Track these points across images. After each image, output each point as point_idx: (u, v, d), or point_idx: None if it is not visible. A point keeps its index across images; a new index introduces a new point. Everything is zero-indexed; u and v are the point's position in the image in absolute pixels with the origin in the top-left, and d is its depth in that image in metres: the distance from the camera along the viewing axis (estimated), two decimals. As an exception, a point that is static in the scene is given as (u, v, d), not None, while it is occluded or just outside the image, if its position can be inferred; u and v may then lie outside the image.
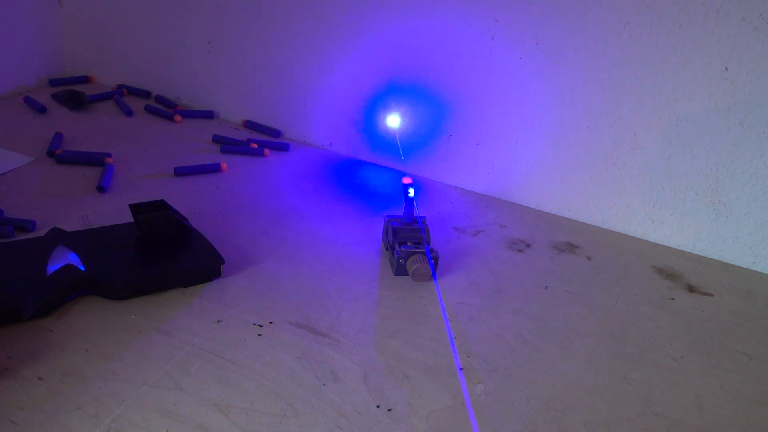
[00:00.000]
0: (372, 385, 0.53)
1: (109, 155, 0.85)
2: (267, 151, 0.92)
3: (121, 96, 1.05)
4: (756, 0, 0.66)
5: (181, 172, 0.84)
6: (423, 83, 0.86)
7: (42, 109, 0.97)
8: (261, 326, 0.58)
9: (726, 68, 0.70)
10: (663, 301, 0.68)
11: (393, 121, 0.85)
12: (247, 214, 0.76)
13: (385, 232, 0.72)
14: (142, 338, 0.55)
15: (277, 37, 0.93)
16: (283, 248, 0.70)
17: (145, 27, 1.03)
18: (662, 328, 0.64)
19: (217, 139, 0.94)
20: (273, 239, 0.72)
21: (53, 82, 1.07)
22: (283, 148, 0.95)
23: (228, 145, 0.92)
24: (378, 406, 0.51)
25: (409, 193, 0.68)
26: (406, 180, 0.69)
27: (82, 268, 0.59)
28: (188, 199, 0.78)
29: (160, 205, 0.66)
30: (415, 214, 0.69)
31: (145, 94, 1.06)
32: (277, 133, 0.98)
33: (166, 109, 1.02)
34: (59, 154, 0.83)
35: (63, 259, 0.60)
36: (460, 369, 0.56)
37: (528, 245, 0.76)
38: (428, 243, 0.68)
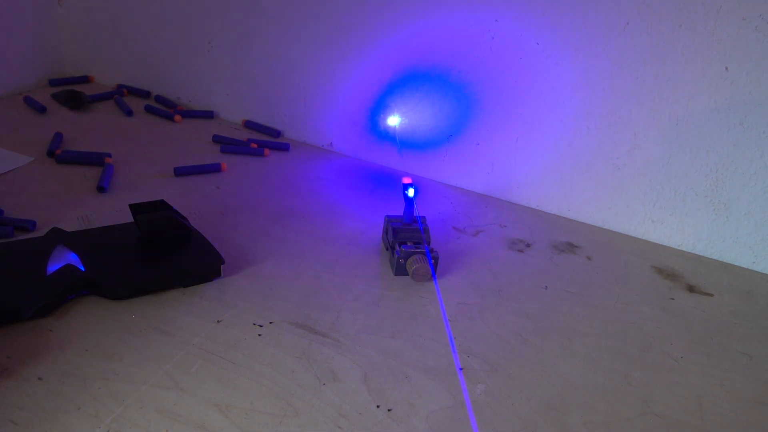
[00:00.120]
0: (372, 385, 0.53)
1: (109, 155, 0.85)
2: (267, 151, 0.92)
3: (121, 96, 1.05)
4: (756, 0, 0.66)
5: (181, 172, 0.84)
6: (423, 83, 0.86)
7: (42, 109, 0.97)
8: (261, 326, 0.58)
9: (726, 68, 0.70)
10: (663, 301, 0.68)
11: (393, 121, 0.85)
12: (247, 214, 0.76)
13: (385, 232, 0.72)
14: (142, 338, 0.55)
15: (277, 38, 0.93)
16: (283, 248, 0.70)
17: (145, 27, 1.03)
18: (662, 328, 0.64)
19: (217, 139, 0.94)
20: (273, 239, 0.72)
21: (53, 82, 1.07)
22: (283, 148, 0.95)
23: (228, 145, 0.92)
24: (378, 406, 0.51)
25: (408, 193, 0.68)
26: (406, 180, 0.69)
27: (82, 268, 0.59)
28: (188, 199, 0.78)
29: (160, 205, 0.66)
30: (415, 214, 0.69)
31: (145, 94, 1.06)
32: (277, 133, 0.98)
33: (166, 109, 1.02)
34: (59, 154, 0.83)
35: (63, 259, 0.60)
36: (460, 369, 0.56)
37: (528, 245, 0.76)
38: (428, 243, 0.68)
